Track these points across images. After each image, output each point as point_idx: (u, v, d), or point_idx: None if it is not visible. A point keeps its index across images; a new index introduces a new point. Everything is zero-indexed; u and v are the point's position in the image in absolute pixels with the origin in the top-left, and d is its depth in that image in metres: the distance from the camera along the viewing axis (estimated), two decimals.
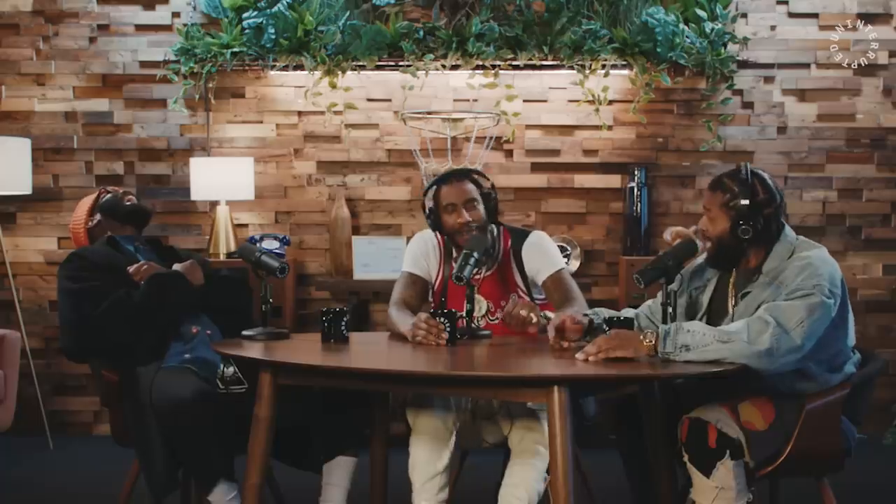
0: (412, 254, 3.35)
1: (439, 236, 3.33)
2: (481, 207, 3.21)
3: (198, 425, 2.87)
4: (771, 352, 2.57)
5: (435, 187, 3.25)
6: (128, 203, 3.42)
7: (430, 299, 3.36)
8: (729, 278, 2.91)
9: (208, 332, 3.19)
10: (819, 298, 2.64)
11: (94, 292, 3.10)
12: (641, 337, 2.65)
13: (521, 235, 3.31)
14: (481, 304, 3.25)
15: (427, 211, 3.26)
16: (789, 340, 2.58)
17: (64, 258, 3.28)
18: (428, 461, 2.98)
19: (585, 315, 2.92)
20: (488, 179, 3.32)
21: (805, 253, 2.76)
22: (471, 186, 3.23)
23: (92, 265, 3.19)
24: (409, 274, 3.33)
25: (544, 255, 3.25)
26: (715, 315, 2.91)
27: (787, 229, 2.84)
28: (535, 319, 2.94)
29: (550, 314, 3.04)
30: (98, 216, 3.45)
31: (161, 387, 2.94)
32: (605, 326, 2.85)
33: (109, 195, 3.47)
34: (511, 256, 3.28)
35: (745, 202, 2.77)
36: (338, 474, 3.09)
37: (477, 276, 3.23)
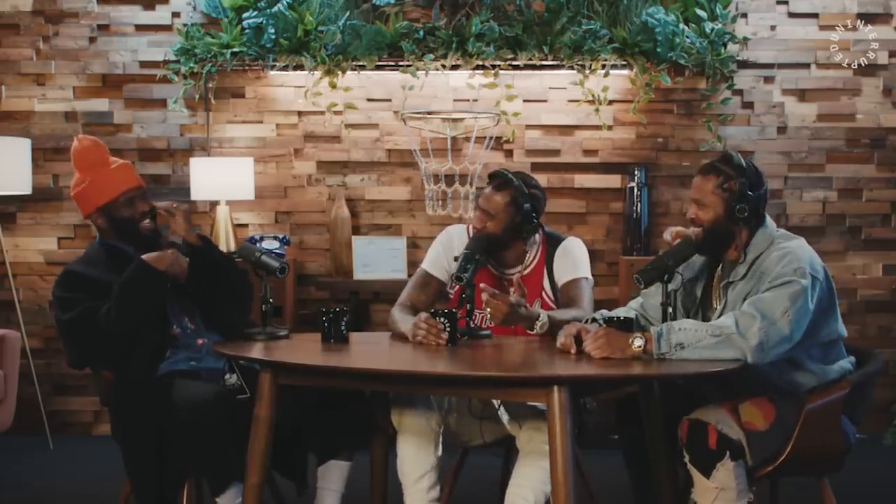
0: (434, 250, 3.32)
1: (471, 231, 3.30)
2: (504, 222, 3.16)
3: (219, 425, 2.86)
4: (762, 346, 2.61)
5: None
6: (143, 230, 3.17)
7: (450, 291, 3.32)
8: (716, 270, 2.94)
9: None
10: (800, 286, 2.67)
11: (91, 313, 3.00)
12: (630, 341, 2.66)
13: (556, 241, 3.27)
14: None
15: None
16: (777, 331, 2.62)
17: (62, 267, 3.17)
18: (415, 460, 2.98)
19: (594, 321, 2.91)
20: (533, 190, 3.20)
21: (784, 244, 2.80)
22: (501, 198, 3.17)
23: (87, 282, 3.07)
24: (424, 273, 3.30)
25: (570, 261, 3.22)
26: (705, 308, 2.94)
27: (768, 220, 2.89)
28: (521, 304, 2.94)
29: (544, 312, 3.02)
30: (101, 221, 3.18)
31: (181, 388, 2.93)
32: (601, 324, 2.84)
33: (125, 210, 3.15)
34: (544, 262, 3.26)
35: (741, 181, 2.81)
36: (331, 478, 3.09)
37: (512, 277, 3.23)
